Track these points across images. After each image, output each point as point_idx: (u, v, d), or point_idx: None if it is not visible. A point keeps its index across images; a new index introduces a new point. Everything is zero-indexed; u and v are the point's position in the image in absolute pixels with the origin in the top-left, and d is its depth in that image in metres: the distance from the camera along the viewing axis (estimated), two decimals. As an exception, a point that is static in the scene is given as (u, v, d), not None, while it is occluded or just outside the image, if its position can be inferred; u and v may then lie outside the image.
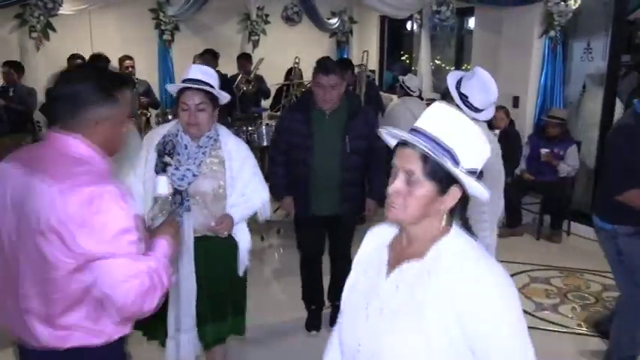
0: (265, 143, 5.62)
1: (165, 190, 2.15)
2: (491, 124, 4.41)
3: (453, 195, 1.32)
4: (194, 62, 7.20)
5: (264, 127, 5.87)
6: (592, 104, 6.11)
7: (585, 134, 6.06)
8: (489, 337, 1.28)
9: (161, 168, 2.61)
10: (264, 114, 7.02)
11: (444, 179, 1.30)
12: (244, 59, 7.28)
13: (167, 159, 2.64)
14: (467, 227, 1.40)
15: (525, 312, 4.09)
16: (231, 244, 2.73)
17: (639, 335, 3.14)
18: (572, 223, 5.74)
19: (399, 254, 1.41)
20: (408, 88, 5.83)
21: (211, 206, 2.63)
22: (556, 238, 5.60)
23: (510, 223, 5.54)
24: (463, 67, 7.62)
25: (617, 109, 5.70)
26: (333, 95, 3.30)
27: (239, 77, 6.65)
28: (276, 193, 3.46)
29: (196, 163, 2.63)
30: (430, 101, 6.30)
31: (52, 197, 1.51)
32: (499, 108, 5.83)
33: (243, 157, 2.72)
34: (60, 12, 6.77)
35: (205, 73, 2.65)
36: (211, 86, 2.61)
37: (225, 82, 5.57)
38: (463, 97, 2.81)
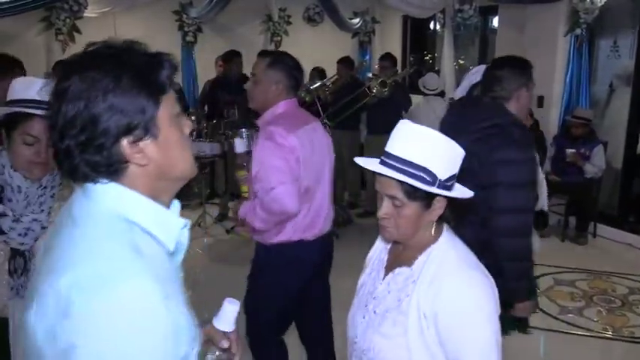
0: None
1: (240, 149, 2.60)
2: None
3: (440, 205, 1.40)
4: (216, 63, 7.24)
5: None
6: (619, 103, 6.00)
7: (612, 134, 5.95)
8: (461, 346, 1.35)
9: None
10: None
11: (425, 196, 1.37)
12: (266, 60, 7.28)
13: (0, 208, 1.91)
14: (457, 225, 1.49)
15: (549, 315, 4.08)
16: None
17: None
18: (598, 225, 5.64)
19: (395, 259, 1.53)
20: (424, 87, 5.81)
21: None
22: (582, 240, 5.51)
23: (537, 225, 5.45)
24: (486, 67, 7.52)
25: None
26: None
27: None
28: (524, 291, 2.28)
29: (44, 209, 1.97)
30: (453, 100, 6.27)
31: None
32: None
33: None
34: (85, 14, 6.87)
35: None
36: None
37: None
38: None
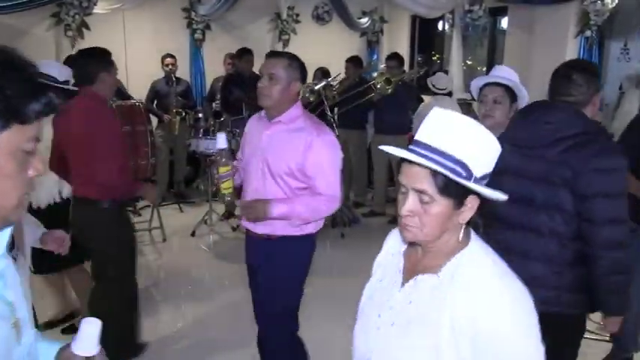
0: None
1: (224, 145, 2.59)
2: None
3: (472, 205, 1.24)
4: (224, 61, 7.25)
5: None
6: (629, 106, 5.96)
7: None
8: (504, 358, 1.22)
9: None
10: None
11: (459, 193, 1.21)
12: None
13: None
14: (484, 231, 1.35)
15: (555, 318, 3.94)
16: None
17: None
18: (605, 227, 5.60)
19: (413, 264, 1.36)
20: (434, 86, 5.81)
21: None
22: (589, 243, 5.46)
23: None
24: (495, 68, 7.48)
25: (656, 112, 5.54)
26: None
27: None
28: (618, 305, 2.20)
29: None
30: (461, 101, 6.25)
31: None
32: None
33: None
34: (94, 11, 6.91)
35: None
36: None
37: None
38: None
